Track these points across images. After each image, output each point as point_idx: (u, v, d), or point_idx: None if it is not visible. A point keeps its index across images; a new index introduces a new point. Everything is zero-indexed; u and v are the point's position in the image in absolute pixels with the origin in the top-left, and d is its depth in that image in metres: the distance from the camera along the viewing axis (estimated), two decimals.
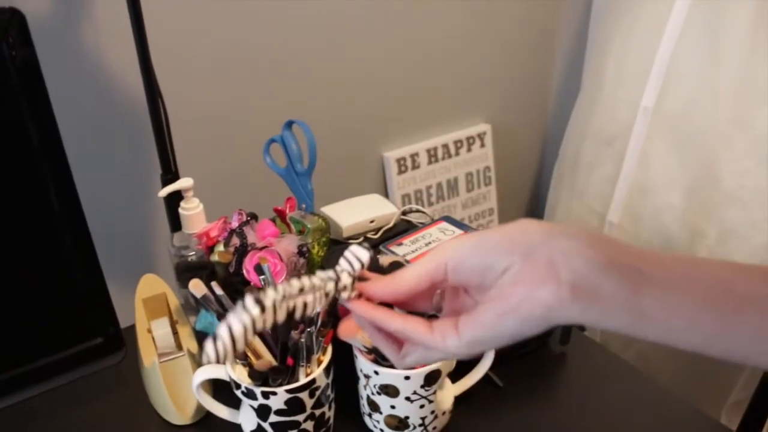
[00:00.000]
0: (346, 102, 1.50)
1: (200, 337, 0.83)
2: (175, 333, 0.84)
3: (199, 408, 0.77)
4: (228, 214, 0.84)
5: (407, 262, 0.69)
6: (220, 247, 0.78)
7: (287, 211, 0.93)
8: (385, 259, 0.70)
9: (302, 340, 0.64)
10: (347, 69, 1.46)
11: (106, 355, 0.78)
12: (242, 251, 0.76)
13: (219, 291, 0.67)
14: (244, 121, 1.33)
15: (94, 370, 0.79)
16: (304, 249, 0.76)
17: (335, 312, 0.68)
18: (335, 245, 0.97)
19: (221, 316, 0.67)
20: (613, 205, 1.46)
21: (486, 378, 0.78)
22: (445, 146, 1.73)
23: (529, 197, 2.06)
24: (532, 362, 0.84)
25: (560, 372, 0.85)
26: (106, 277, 0.73)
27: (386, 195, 1.69)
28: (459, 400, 0.75)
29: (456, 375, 0.74)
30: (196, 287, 0.67)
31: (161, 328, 0.81)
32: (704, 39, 1.24)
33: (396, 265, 0.68)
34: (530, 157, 2.01)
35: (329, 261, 0.80)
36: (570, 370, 0.85)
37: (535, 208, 2.06)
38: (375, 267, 0.67)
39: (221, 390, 0.73)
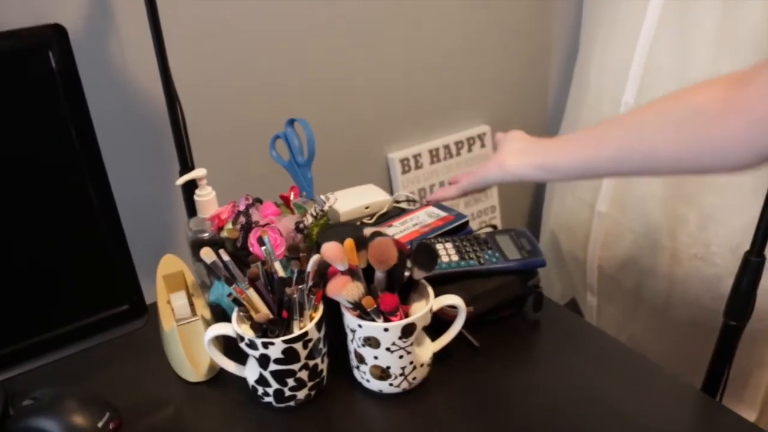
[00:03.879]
0: (353, 105, 1.62)
1: (213, 308, 0.94)
2: (191, 305, 0.95)
3: (212, 367, 0.88)
4: (238, 200, 0.96)
5: (385, 234, 0.80)
6: (229, 225, 0.89)
7: (291, 198, 1.05)
8: (367, 231, 0.81)
9: (295, 295, 0.75)
10: (353, 73, 1.58)
11: (131, 320, 0.89)
12: (247, 228, 0.87)
13: (226, 257, 0.79)
14: (254, 120, 1.45)
15: (121, 334, 0.90)
16: (301, 226, 0.88)
17: (324, 274, 0.79)
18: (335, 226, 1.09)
19: (229, 280, 0.78)
20: (601, 196, 1.55)
21: (464, 339, 0.89)
22: (447, 147, 1.84)
23: (529, 194, 2.15)
24: (507, 327, 0.94)
25: (533, 336, 0.94)
26: (133, 256, 0.84)
27: (391, 194, 1.80)
28: (438, 357, 0.85)
29: (435, 334, 0.85)
30: (207, 254, 0.79)
31: (179, 300, 0.93)
32: (677, 37, 1.33)
33: (376, 234, 0.78)
34: None
35: (323, 236, 0.91)
36: (542, 335, 0.95)
37: (536, 203, 2.15)
38: (359, 238, 0.78)
39: (229, 353, 0.84)
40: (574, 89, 1.69)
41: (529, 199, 2.17)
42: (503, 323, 0.94)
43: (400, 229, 1.01)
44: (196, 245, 0.91)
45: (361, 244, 0.78)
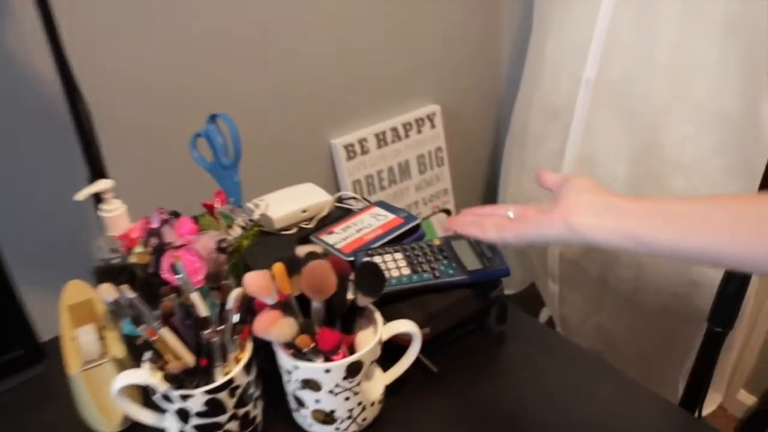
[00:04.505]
0: (288, 91, 1.47)
1: (129, 341, 0.81)
2: (101, 339, 0.81)
3: (127, 416, 0.75)
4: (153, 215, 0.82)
5: (325, 254, 0.67)
6: (139, 248, 0.75)
7: (216, 205, 0.91)
8: (301, 250, 0.68)
9: (214, 339, 0.62)
10: (286, 55, 1.43)
11: (27, 366, 0.76)
12: (160, 250, 0.73)
13: (130, 294, 0.65)
14: (174, 117, 1.29)
15: (18, 382, 0.76)
16: (224, 245, 0.74)
17: (251, 307, 0.66)
18: (268, 237, 0.95)
19: (137, 320, 0.64)
20: None
21: (420, 364, 0.78)
22: (394, 129, 1.72)
23: (483, 175, 2.05)
24: (468, 344, 0.83)
25: (497, 352, 0.83)
26: (33, 287, 0.70)
27: (336, 182, 1.67)
28: (391, 389, 0.74)
29: (387, 361, 0.73)
30: (106, 291, 0.65)
31: (86, 335, 0.79)
32: (639, 12, 1.23)
33: (312, 255, 0.66)
34: (482, 135, 1.99)
35: (250, 256, 0.78)
36: (507, 350, 0.84)
37: (490, 185, 2.05)
38: (291, 261, 0.65)
39: (149, 399, 0.71)
40: (528, 66, 1.57)
41: (483, 181, 2.07)
42: (464, 340, 0.83)
43: (342, 237, 0.89)
44: (100, 273, 0.76)
45: (294, 267, 0.65)
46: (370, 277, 0.67)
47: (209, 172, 0.92)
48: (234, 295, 0.64)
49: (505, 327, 0.85)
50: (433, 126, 1.79)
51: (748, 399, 1.73)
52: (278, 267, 0.64)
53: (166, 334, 0.66)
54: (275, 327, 0.62)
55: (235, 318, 0.65)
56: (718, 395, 1.63)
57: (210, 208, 0.89)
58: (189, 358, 0.66)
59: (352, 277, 0.67)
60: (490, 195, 2.06)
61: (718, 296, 0.95)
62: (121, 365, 0.78)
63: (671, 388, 1.46)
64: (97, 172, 1.01)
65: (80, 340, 0.78)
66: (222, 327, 0.62)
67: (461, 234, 0.75)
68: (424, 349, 0.74)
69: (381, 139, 1.69)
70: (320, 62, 1.50)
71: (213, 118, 0.90)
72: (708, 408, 1.58)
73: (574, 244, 0.66)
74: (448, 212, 1.90)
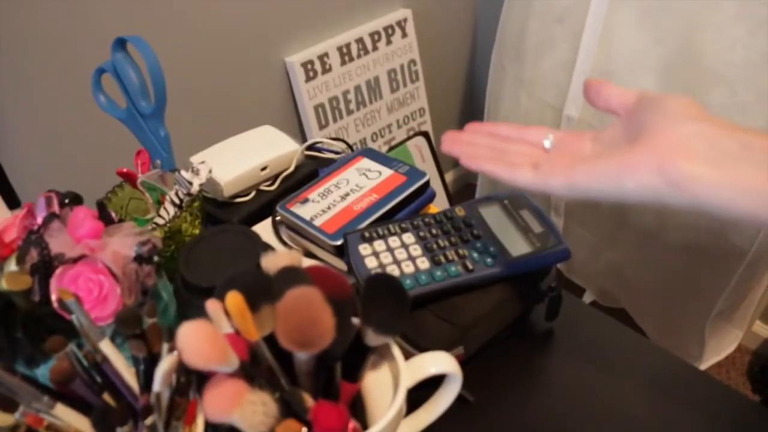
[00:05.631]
0: (231, 1, 1.16)
1: None
2: None
3: None
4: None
5: (303, 279, 0.42)
6: (11, 265, 0.48)
7: (138, 171, 0.64)
8: (270, 262, 0.42)
9: None
10: None
11: None
12: (44, 269, 0.46)
13: None
14: (72, 50, 0.99)
15: None
16: (146, 251, 0.47)
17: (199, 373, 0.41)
18: (217, 209, 0.69)
19: (8, 403, 0.39)
20: (570, 95, 1.21)
21: None
22: (360, 41, 1.43)
23: (464, 91, 1.79)
24: (508, 352, 0.60)
25: (545, 359, 0.60)
26: None
27: (295, 108, 1.39)
28: None
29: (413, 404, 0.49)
30: None
31: None
32: None
33: (291, 275, 0.40)
34: (461, 44, 1.72)
35: (191, 256, 0.51)
36: (562, 353, 0.61)
37: (473, 103, 1.80)
38: (257, 283, 0.40)
39: None
40: None
41: (464, 98, 1.81)
42: (501, 346, 0.60)
43: (322, 206, 0.63)
44: None
45: (260, 294, 0.40)
46: (385, 302, 0.42)
47: (124, 124, 0.65)
48: (163, 369, 0.38)
49: (554, 323, 0.62)
50: (404, 35, 1.52)
51: (763, 330, 1.58)
52: (235, 299, 0.38)
53: (64, 415, 0.40)
54: (239, 410, 0.36)
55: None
56: (738, 332, 1.46)
57: (129, 178, 0.62)
58: None
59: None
60: (473, 114, 1.81)
61: None
62: None
63: (695, 333, 1.28)
64: None
65: None
66: (150, 422, 0.37)
67: (470, 167, 0.47)
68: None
69: (345, 54, 1.42)
70: None
71: (120, 43, 0.62)
72: (730, 347, 1.42)
73: (670, 204, 0.39)
74: (426, 135, 1.64)
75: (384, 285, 0.42)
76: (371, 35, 1.45)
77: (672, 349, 0.60)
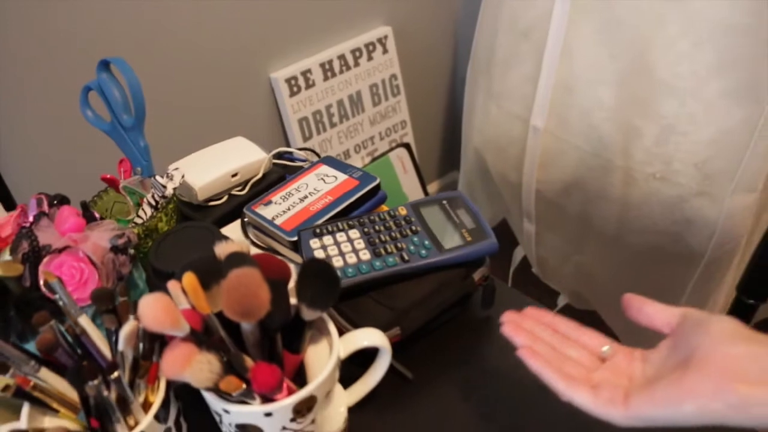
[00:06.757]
0: (215, 17, 1.25)
1: None
2: None
3: None
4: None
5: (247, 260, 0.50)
6: (6, 255, 0.56)
7: (121, 178, 0.72)
8: (222, 249, 0.50)
9: (105, 393, 0.44)
10: None
11: None
12: (34, 258, 0.54)
13: None
14: (66, 68, 1.07)
15: None
16: (121, 243, 0.55)
17: (161, 338, 0.48)
18: (192, 211, 0.77)
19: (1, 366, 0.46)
20: (536, 107, 1.28)
21: (391, 370, 0.61)
22: (342, 57, 1.51)
23: (444, 104, 1.87)
24: (447, 336, 0.67)
25: (482, 343, 0.67)
26: None
27: (281, 123, 1.47)
28: (357, 405, 0.58)
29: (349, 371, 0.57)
30: None
31: None
32: None
33: (236, 258, 0.48)
34: (441, 58, 1.80)
35: (160, 248, 0.59)
36: (496, 339, 0.68)
37: (452, 115, 1.87)
38: (206, 268, 0.47)
39: None
40: None
41: (444, 111, 1.88)
42: (442, 329, 0.67)
43: (283, 207, 0.70)
44: None
45: (212, 275, 0.47)
46: (317, 282, 0.49)
47: (109, 136, 0.73)
48: (126, 331, 0.46)
49: (491, 311, 0.69)
50: (385, 51, 1.59)
51: None
52: (189, 278, 0.46)
53: (48, 377, 0.48)
54: (189, 368, 0.44)
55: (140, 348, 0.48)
56: None
57: (112, 183, 0.70)
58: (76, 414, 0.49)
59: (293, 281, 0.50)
60: (452, 126, 1.88)
61: (750, 267, 0.81)
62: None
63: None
64: None
65: None
66: (115, 375, 0.45)
67: (529, 364, 0.48)
68: (395, 351, 0.58)
69: (328, 69, 1.49)
70: None
71: (104, 65, 0.70)
72: None
73: (733, 424, 0.40)
74: (407, 146, 1.72)
75: (316, 268, 0.50)
76: (353, 52, 1.53)
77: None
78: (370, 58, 1.56)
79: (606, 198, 1.25)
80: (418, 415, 0.60)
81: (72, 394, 0.49)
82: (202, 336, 0.46)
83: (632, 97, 1.14)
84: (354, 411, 0.58)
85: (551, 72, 1.24)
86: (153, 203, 0.67)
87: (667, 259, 1.25)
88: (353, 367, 0.58)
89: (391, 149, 1.69)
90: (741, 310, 0.86)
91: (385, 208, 0.75)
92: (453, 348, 0.66)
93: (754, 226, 1.17)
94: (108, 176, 0.70)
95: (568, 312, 0.65)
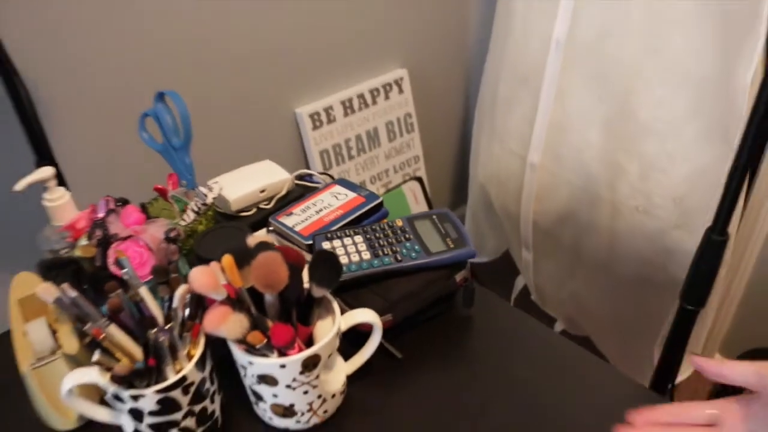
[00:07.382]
0: (249, 59, 1.42)
1: (83, 334, 0.77)
2: (54, 332, 0.78)
3: None
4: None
5: (272, 246, 0.64)
6: (83, 241, 0.71)
7: (169, 188, 0.87)
8: (252, 240, 0.65)
9: (162, 339, 0.59)
10: (245, 19, 1.38)
11: None
12: (105, 243, 0.70)
13: (72, 293, 0.61)
14: (123, 96, 1.24)
15: None
16: (173, 235, 0.71)
17: (202, 303, 0.63)
18: (227, 221, 0.92)
19: (81, 319, 0.61)
20: (533, 145, 1.43)
21: (384, 351, 0.75)
22: (361, 96, 1.67)
23: (455, 141, 2.02)
24: (434, 328, 0.81)
25: (464, 337, 0.81)
26: None
27: (303, 153, 1.63)
28: (354, 377, 0.71)
29: (351, 347, 0.71)
30: (46, 291, 0.61)
31: (38, 331, 0.75)
32: None
33: (263, 245, 0.63)
34: (453, 99, 1.96)
35: (200, 245, 0.74)
36: (475, 334, 0.81)
37: (462, 152, 2.02)
38: (241, 252, 0.62)
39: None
40: (497, 27, 1.53)
41: (455, 147, 2.03)
42: (430, 324, 0.81)
43: (301, 218, 0.85)
44: (45, 266, 0.73)
45: (244, 259, 0.62)
46: (324, 266, 0.64)
47: (160, 154, 0.89)
48: (179, 292, 0.60)
49: (471, 310, 0.83)
50: (401, 91, 1.75)
51: None
52: (227, 259, 0.61)
53: (114, 332, 0.63)
54: (225, 324, 0.59)
55: (187, 312, 0.63)
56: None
57: (162, 192, 0.85)
58: (139, 356, 0.63)
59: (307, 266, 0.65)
60: (461, 162, 2.03)
61: (690, 275, 0.93)
62: (74, 361, 0.75)
63: (647, 356, 1.46)
64: (43, 159, 0.97)
65: (31, 336, 0.75)
66: (169, 325, 0.59)
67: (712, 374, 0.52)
68: (388, 335, 0.72)
69: (348, 107, 1.65)
70: (281, 26, 1.44)
71: (160, 96, 0.86)
72: (684, 374, 1.58)
73: None
74: (419, 180, 1.87)
75: (324, 256, 0.64)
76: (371, 91, 1.69)
77: (628, 373, 0.72)
78: (387, 98, 1.72)
79: (596, 229, 1.38)
80: (405, 390, 0.73)
81: (132, 348, 0.64)
82: (236, 302, 0.61)
83: (617, 136, 1.28)
84: (352, 385, 0.72)
85: (546, 113, 1.38)
86: (196, 209, 0.82)
87: (652, 287, 1.36)
88: (351, 348, 0.72)
89: (405, 182, 1.84)
90: (684, 316, 0.98)
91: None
92: (438, 339, 0.79)
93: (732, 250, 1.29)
94: (160, 186, 0.85)
95: (565, 338, 0.76)
